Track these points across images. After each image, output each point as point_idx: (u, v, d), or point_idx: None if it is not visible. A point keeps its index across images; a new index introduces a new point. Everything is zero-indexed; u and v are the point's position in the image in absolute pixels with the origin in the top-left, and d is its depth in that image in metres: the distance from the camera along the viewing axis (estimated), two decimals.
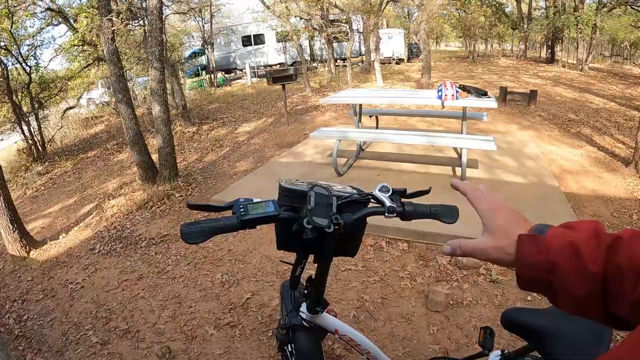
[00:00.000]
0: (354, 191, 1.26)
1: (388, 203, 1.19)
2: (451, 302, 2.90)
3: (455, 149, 5.70)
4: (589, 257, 0.54)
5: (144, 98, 11.73)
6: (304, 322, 1.69)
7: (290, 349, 2.04)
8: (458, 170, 4.96)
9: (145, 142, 5.98)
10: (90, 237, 4.48)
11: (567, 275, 0.55)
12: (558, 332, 1.27)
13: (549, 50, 22.61)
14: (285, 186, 1.23)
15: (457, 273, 3.23)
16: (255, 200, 1.13)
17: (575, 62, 20.73)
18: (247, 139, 8.14)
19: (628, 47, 27.53)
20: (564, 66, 19.98)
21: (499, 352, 1.58)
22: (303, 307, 1.64)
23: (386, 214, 1.19)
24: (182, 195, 5.19)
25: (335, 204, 1.15)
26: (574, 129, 7.71)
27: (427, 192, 1.32)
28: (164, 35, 7.28)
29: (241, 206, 1.11)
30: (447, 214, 1.28)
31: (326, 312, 1.66)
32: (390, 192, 1.23)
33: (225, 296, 3.12)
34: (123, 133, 5.93)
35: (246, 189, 4.93)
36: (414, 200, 1.25)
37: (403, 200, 1.24)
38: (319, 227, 1.09)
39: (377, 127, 6.64)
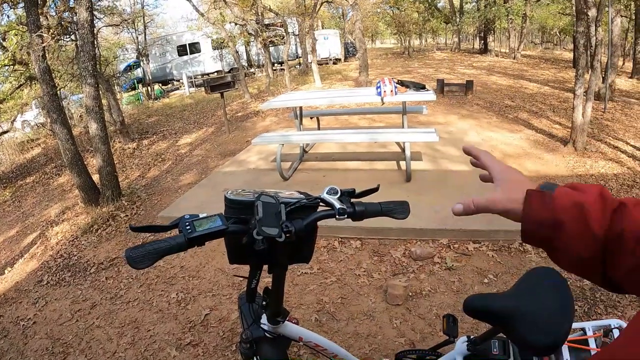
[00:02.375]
0: (302, 196, 1.23)
1: (338, 205, 1.17)
2: (410, 293, 2.93)
3: (398, 144, 5.78)
4: (594, 219, 0.55)
5: (80, 116, 11.24)
6: (266, 334, 1.65)
7: None
8: (403, 164, 5.02)
9: (85, 162, 5.71)
10: (37, 269, 4.24)
11: (571, 234, 0.56)
12: (520, 312, 1.28)
13: (482, 41, 23.52)
14: (231, 198, 1.19)
15: (412, 265, 3.27)
16: (201, 216, 1.08)
17: (507, 51, 21.76)
18: (189, 150, 7.97)
19: (557, 33, 29.13)
20: (497, 55, 20.90)
21: (465, 337, 1.59)
22: (263, 319, 1.59)
23: (337, 217, 1.17)
24: (127, 215, 4.99)
25: (284, 211, 1.12)
26: (511, 114, 8.04)
27: (375, 190, 1.30)
28: (96, 49, 6.98)
29: (187, 223, 1.05)
30: (399, 210, 1.26)
31: (288, 320, 1.62)
32: (339, 193, 1.21)
33: (183, 315, 3.02)
34: (61, 155, 5.63)
35: (192, 203, 4.80)
36: (364, 200, 1.23)
37: (353, 200, 1.22)
38: (270, 237, 1.05)
39: (318, 128, 6.63)
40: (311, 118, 6.67)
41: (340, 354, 1.73)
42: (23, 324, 3.28)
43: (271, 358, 1.84)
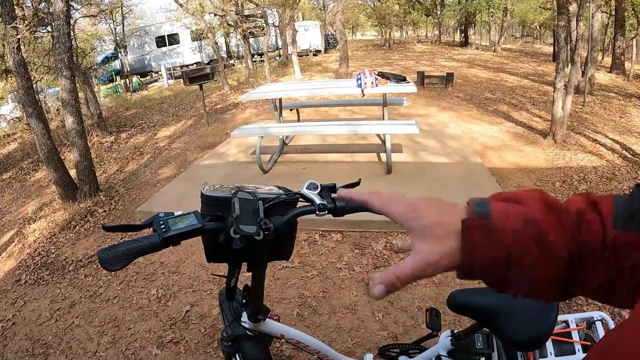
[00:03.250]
0: (281, 192, 1.20)
1: (318, 201, 1.14)
2: None
3: (379, 136, 5.78)
4: (555, 238, 0.46)
5: (57, 110, 10.97)
6: (247, 332, 1.63)
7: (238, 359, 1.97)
8: (383, 156, 5.03)
9: (62, 157, 5.57)
10: (15, 268, 4.13)
11: (531, 265, 0.46)
12: (504, 308, 1.29)
13: (463, 34, 23.74)
14: (207, 194, 1.15)
15: (393, 257, 3.28)
16: (176, 214, 1.05)
17: (488, 44, 21.97)
18: (168, 143, 7.86)
19: (538, 27, 29.41)
20: (477, 48, 21.11)
21: (448, 332, 1.60)
22: (244, 317, 1.57)
23: (317, 212, 1.14)
24: (105, 211, 4.90)
25: (262, 208, 1.09)
26: (491, 107, 8.11)
27: (356, 184, 1.28)
28: (73, 41, 6.79)
29: (161, 222, 1.01)
30: None
31: (269, 318, 1.60)
32: (319, 188, 1.17)
33: (163, 312, 2.98)
34: (37, 150, 5.49)
35: (171, 197, 4.73)
36: None
37: (333, 195, 1.20)
38: (248, 235, 1.02)
39: (298, 120, 6.60)
40: (291, 110, 6.64)
41: (322, 350, 1.72)
42: (2, 325, 3.20)
43: (253, 356, 1.82)
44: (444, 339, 1.60)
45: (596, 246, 0.45)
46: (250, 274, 1.34)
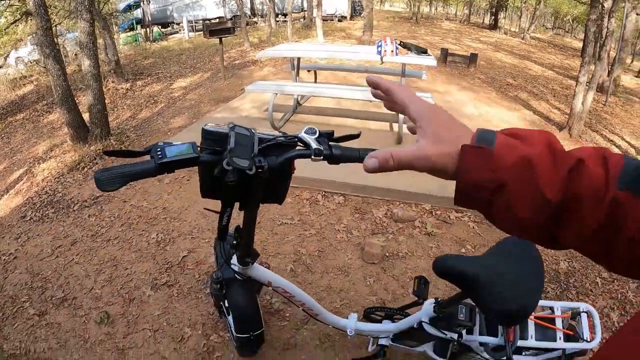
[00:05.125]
0: (279, 134, 1.20)
1: (314, 145, 1.14)
2: (387, 254, 2.95)
3: None
4: (546, 180, 0.46)
5: (75, 55, 10.94)
6: (236, 275, 1.65)
7: (226, 305, 2.01)
8: (395, 126, 4.99)
9: (76, 100, 5.60)
10: (21, 204, 4.21)
11: (517, 198, 0.46)
12: (488, 277, 1.28)
13: (493, 17, 23.14)
14: (207, 129, 1.16)
15: (392, 226, 3.29)
16: (175, 144, 1.06)
17: (517, 30, 21.42)
18: (183, 94, 7.83)
19: (570, 21, 28.58)
20: (505, 33, 20.60)
21: (432, 300, 1.60)
22: (234, 260, 1.59)
23: (312, 157, 1.14)
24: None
25: (257, 144, 1.10)
26: (511, 93, 7.96)
27: (356, 136, 1.28)
28: None
29: (159, 149, 1.03)
30: None
31: (259, 264, 1.62)
32: (317, 134, 1.18)
33: (161, 255, 3.03)
34: (52, 92, 5.52)
35: None
36: (343, 145, 1.21)
37: (331, 143, 1.20)
38: (240, 169, 1.03)
39: (315, 82, 6.50)
40: (308, 71, 6.57)
41: (308, 303, 1.75)
42: (4, 259, 3.28)
43: (240, 301, 1.86)
44: (428, 306, 1.61)
45: (590, 199, 0.44)
46: (242, 217, 1.36)
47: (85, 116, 5.54)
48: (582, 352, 1.60)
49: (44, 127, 7.20)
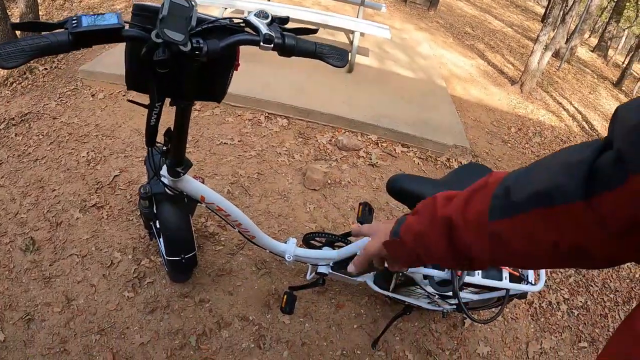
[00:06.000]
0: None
1: (264, 30, 0.99)
2: (329, 181, 2.89)
3: (348, 37, 5.50)
4: (435, 243, 0.63)
5: None
6: (166, 190, 1.52)
7: (157, 226, 1.88)
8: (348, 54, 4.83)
9: (6, 9, 5.02)
10: None
11: (428, 256, 0.67)
12: None
13: None
14: (139, 4, 0.98)
15: (336, 153, 3.22)
16: (95, 15, 0.88)
17: None
18: (126, 6, 7.17)
19: None
20: None
21: None
22: (164, 170, 1.45)
23: (261, 44, 0.99)
24: (46, 69, 4.50)
25: (196, 16, 0.93)
26: (468, 41, 7.94)
27: (314, 31, 1.12)
28: None
29: (74, 19, 0.85)
30: (335, 55, 1.11)
31: (193, 178, 1.49)
32: (270, 18, 1.03)
33: (91, 175, 2.81)
34: None
35: (119, 59, 4.35)
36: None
37: (284, 33, 1.05)
38: (172, 44, 0.87)
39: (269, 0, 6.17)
40: None
41: (244, 224, 1.65)
42: None
43: (170, 220, 1.73)
44: None
45: (474, 241, 0.58)
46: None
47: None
48: (524, 295, 1.61)
49: None
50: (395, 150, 3.39)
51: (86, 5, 7.33)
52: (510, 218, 0.50)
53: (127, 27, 0.94)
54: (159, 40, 0.87)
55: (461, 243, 0.59)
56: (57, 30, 0.86)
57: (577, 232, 0.44)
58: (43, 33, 0.85)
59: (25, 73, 4.42)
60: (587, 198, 0.42)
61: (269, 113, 3.54)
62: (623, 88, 9.22)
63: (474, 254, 0.58)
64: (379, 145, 3.41)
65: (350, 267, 0.82)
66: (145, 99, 1.11)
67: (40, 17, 5.08)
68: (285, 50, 1.03)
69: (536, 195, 0.47)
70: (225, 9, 4.57)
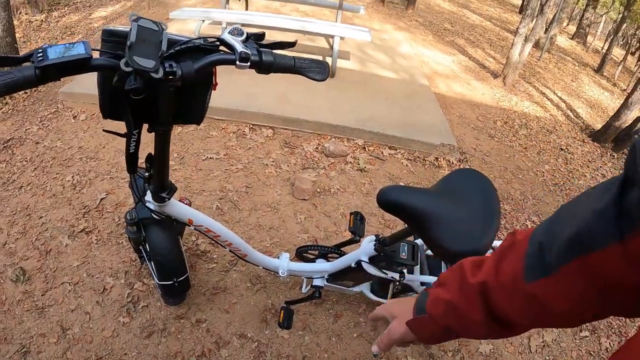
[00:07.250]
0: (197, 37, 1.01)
1: (240, 48, 0.96)
2: (318, 189, 2.87)
3: (328, 41, 5.48)
4: (468, 312, 0.61)
5: None
6: (153, 215, 1.48)
7: (147, 249, 1.84)
8: (329, 60, 4.79)
9: None
10: None
11: (461, 329, 0.64)
12: (441, 214, 1.18)
13: None
14: (108, 29, 0.95)
15: (323, 160, 3.20)
16: (62, 45, 0.85)
17: None
18: (103, 24, 7.12)
19: None
20: None
21: (373, 236, 1.50)
22: (148, 196, 1.42)
23: (237, 62, 0.96)
24: (26, 92, 4.44)
25: (166, 40, 0.90)
26: (448, 37, 7.97)
27: (292, 44, 1.09)
28: None
29: (40, 52, 0.82)
30: (315, 68, 1.07)
31: (178, 201, 1.46)
32: (244, 36, 1.00)
33: (77, 199, 2.76)
34: None
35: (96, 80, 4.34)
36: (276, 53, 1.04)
37: (261, 49, 1.03)
38: (143, 71, 0.84)
39: (246, 9, 6.04)
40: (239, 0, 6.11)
41: (235, 243, 1.62)
42: None
43: (159, 244, 1.69)
44: (367, 244, 1.50)
45: (508, 306, 0.56)
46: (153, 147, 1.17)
47: None
48: None
49: None
50: (382, 153, 3.38)
51: (63, 25, 7.28)
52: (547, 277, 0.49)
53: (97, 55, 0.91)
54: (129, 69, 0.84)
55: (499, 309, 0.57)
56: (23, 65, 0.83)
57: (615, 275, 0.44)
58: (7, 68, 0.82)
59: (5, 98, 4.35)
60: (621, 240, 0.41)
61: (253, 124, 3.51)
62: (604, 73, 9.33)
63: (512, 318, 0.57)
64: (366, 150, 3.40)
65: (374, 349, 0.78)
66: (122, 127, 1.09)
67: (17, 39, 4.98)
68: (262, 68, 1.00)
69: (572, 245, 0.46)
70: (203, 21, 4.53)
